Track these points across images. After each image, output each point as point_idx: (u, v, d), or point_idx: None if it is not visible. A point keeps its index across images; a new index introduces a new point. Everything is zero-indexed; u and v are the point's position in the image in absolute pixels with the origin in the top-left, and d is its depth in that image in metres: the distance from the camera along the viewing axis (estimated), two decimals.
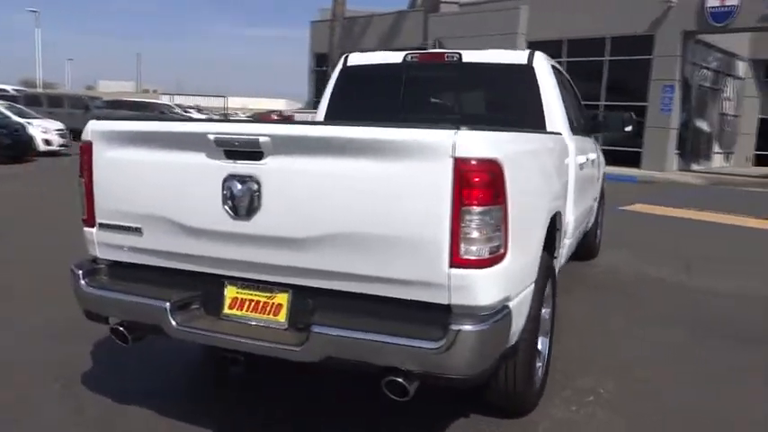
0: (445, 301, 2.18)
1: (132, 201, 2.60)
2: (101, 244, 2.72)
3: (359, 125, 2.20)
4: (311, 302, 2.40)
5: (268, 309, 2.47)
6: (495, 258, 2.17)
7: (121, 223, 2.63)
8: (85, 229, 2.75)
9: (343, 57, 4.55)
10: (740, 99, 24.40)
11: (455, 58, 4.18)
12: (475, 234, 2.11)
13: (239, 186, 2.34)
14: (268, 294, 2.47)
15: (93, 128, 2.66)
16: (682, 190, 15.05)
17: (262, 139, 2.27)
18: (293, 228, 2.30)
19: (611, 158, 18.72)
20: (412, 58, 4.30)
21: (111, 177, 2.64)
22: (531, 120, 3.94)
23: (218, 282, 2.54)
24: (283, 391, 3.22)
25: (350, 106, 4.43)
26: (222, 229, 2.41)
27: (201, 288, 2.57)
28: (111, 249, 2.71)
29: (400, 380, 2.17)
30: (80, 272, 2.70)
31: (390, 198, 2.17)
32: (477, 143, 2.10)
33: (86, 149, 2.67)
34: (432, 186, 2.12)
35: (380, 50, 4.66)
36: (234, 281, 2.52)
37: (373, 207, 2.20)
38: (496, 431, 2.89)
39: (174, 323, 2.46)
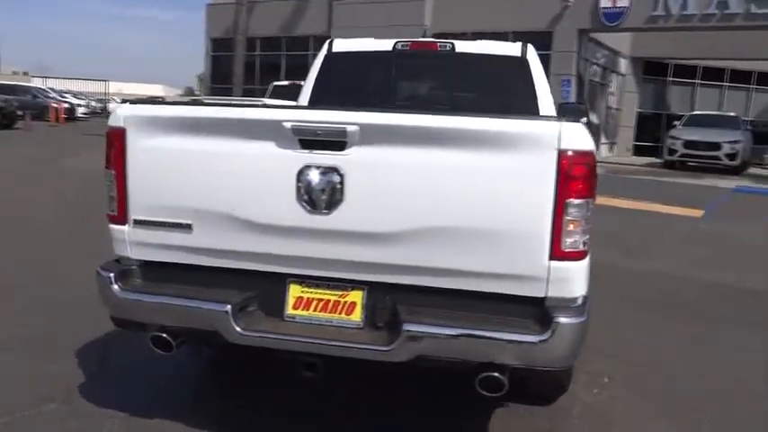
0: (541, 294, 2.16)
1: (180, 195, 2.34)
2: (134, 243, 2.43)
3: (458, 114, 2.13)
4: (389, 300, 2.29)
5: (340, 308, 2.33)
6: (586, 250, 2.18)
7: (164, 219, 2.36)
8: (113, 226, 2.45)
9: (328, 42, 4.39)
10: (622, 94, 26.30)
11: (448, 48, 4.16)
12: (575, 226, 2.11)
13: (318, 179, 2.18)
14: (340, 292, 2.33)
15: (126, 113, 2.36)
16: None
17: (350, 128, 2.12)
18: (379, 222, 2.18)
19: None
20: (403, 46, 4.22)
21: (150, 169, 2.36)
22: (526, 111, 4.01)
23: (280, 280, 2.36)
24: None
25: (337, 94, 4.29)
26: (295, 224, 2.24)
27: (258, 288, 2.38)
28: (149, 249, 2.43)
29: (497, 375, 2.13)
30: (111, 275, 2.41)
31: (487, 190, 2.11)
32: (579, 135, 2.09)
33: (117, 137, 2.37)
34: (534, 178, 2.08)
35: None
36: (298, 279, 2.35)
37: (468, 200, 2.13)
38: (537, 418, 2.93)
39: (238, 328, 2.26)
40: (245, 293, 2.35)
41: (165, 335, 2.37)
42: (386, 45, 4.28)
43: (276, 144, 2.22)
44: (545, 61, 19.16)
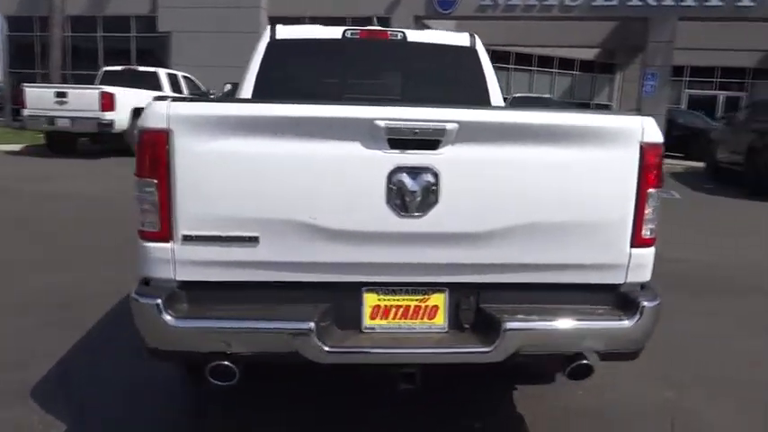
0: (621, 281, 2.25)
1: (244, 204, 2.06)
2: (183, 262, 2.09)
3: (552, 110, 2.12)
4: (473, 300, 2.24)
5: (421, 313, 2.23)
6: (656, 237, 2.31)
7: (224, 233, 2.06)
8: (152, 245, 2.09)
9: (270, 28, 4.09)
10: None
11: (399, 37, 4.11)
12: (652, 214, 2.22)
13: (412, 180, 2.05)
14: (420, 297, 2.22)
15: (172, 111, 2.01)
16: None
17: (449, 126, 2.02)
18: (473, 222, 2.12)
19: None
20: (352, 34, 4.08)
21: (206, 175, 2.04)
22: (479, 100, 4.12)
23: (353, 290, 2.19)
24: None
25: (284, 83, 4.03)
26: (383, 229, 2.09)
27: (329, 300, 2.19)
28: (200, 267, 2.10)
29: (588, 362, 2.19)
30: (158, 301, 2.05)
31: (576, 184, 2.15)
32: (654, 128, 2.20)
33: (160, 140, 2.01)
34: (621, 170, 2.16)
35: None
36: (375, 287, 2.20)
37: (557, 194, 2.14)
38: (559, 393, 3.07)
39: (325, 347, 2.06)
40: (318, 308, 2.15)
41: (229, 363, 2.08)
42: (334, 33, 4.10)
43: (362, 144, 2.04)
44: None
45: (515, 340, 2.12)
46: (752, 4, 17.27)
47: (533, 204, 2.14)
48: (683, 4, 17.62)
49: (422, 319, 2.23)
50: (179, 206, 2.04)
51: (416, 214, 2.08)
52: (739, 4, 17.35)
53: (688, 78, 29.00)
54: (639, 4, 17.90)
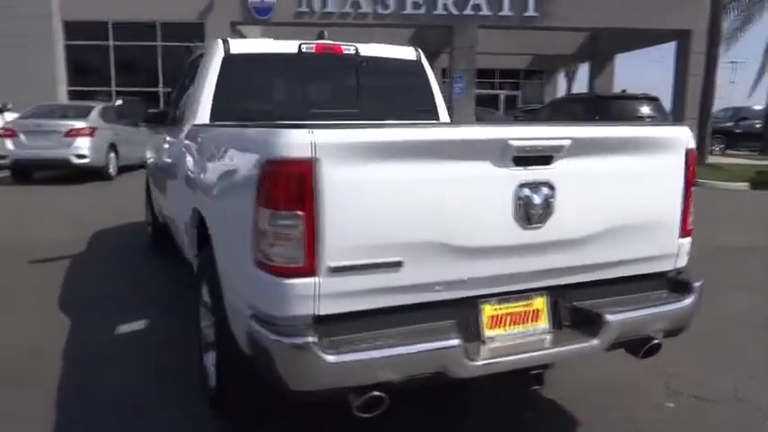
0: (671, 267, 2.64)
1: (387, 229, 2.04)
2: (327, 295, 2.00)
3: (633, 124, 2.41)
4: (566, 299, 2.45)
5: (528, 317, 2.39)
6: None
7: (369, 261, 2.03)
8: (293, 281, 1.97)
9: (222, 42, 3.88)
10: None
11: (352, 52, 4.16)
12: (692, 207, 2.64)
13: (533, 194, 2.20)
14: (525, 303, 2.38)
15: (318, 139, 1.92)
16: None
17: (564, 142, 2.21)
18: (576, 229, 2.33)
19: None
20: (307, 48, 4.04)
21: (350, 203, 1.98)
22: (428, 111, 4.37)
23: (472, 304, 2.28)
24: None
25: (242, 99, 3.86)
26: (510, 242, 2.21)
27: (453, 315, 2.25)
28: (344, 299, 2.03)
29: (659, 341, 2.54)
30: (313, 339, 1.95)
31: (646, 188, 2.48)
32: (692, 135, 2.60)
33: (305, 170, 1.92)
34: (675, 173, 2.53)
35: None
36: (488, 298, 2.31)
37: (634, 198, 2.46)
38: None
39: (472, 362, 2.13)
40: (452, 324, 2.21)
41: (380, 394, 2.05)
42: (289, 47, 4.02)
43: (492, 163, 2.14)
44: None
45: (615, 331, 2.37)
46: (536, 14, 19.74)
47: (619, 208, 2.42)
48: (480, 13, 19.53)
49: (529, 323, 2.39)
50: (327, 237, 1.96)
51: (537, 225, 2.24)
52: (526, 14, 19.72)
53: (476, 80, 32.14)
54: (444, 13, 19.45)
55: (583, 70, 32.29)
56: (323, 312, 2.02)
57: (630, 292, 2.55)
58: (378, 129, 2.10)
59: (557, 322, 2.43)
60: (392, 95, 4.32)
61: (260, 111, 3.88)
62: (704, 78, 16.49)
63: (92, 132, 12.09)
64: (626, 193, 2.43)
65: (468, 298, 2.25)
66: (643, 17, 19.67)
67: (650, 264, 2.58)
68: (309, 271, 1.97)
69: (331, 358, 1.96)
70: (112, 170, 12.74)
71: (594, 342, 2.34)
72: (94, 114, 12.49)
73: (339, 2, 19.10)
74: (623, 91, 13.34)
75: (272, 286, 2.01)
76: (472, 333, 2.27)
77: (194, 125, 3.65)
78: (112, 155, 12.70)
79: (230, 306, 2.43)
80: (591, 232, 2.36)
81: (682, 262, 2.66)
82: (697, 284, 2.60)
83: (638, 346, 2.50)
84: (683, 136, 2.53)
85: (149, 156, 6.09)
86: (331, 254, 1.98)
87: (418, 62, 4.38)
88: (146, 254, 6.16)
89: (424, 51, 4.47)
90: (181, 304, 4.28)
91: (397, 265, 2.07)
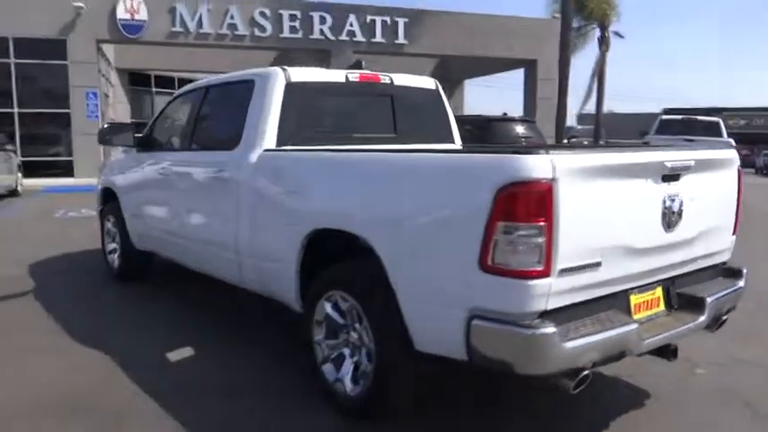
0: (727, 258, 3.37)
1: (595, 236, 2.52)
2: (555, 293, 2.41)
3: (714, 148, 3.10)
4: (672, 287, 3.05)
5: (653, 304, 2.95)
6: None
7: (583, 263, 2.48)
8: (533, 282, 2.35)
9: (281, 70, 4.04)
10: (115, 105, 25.97)
11: (388, 81, 4.53)
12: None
13: (673, 204, 2.79)
14: (651, 292, 2.95)
15: (560, 164, 2.34)
16: None
17: (691, 163, 2.83)
18: (690, 231, 2.95)
19: (44, 170, 17.48)
20: (353, 78, 4.34)
21: (576, 215, 2.43)
22: (446, 134, 4.88)
23: (624, 294, 2.80)
24: None
25: (303, 126, 4.06)
26: (657, 243, 2.78)
27: (616, 305, 2.75)
28: (563, 295, 2.45)
29: (726, 317, 3.24)
30: (554, 330, 2.36)
31: (720, 196, 3.21)
32: (737, 154, 3.37)
33: (547, 188, 2.32)
34: (732, 183, 3.27)
35: None
36: (634, 290, 2.84)
37: (716, 204, 3.17)
38: None
39: (643, 341, 2.65)
40: (616, 311, 2.71)
41: (589, 372, 2.50)
42: (336, 76, 4.29)
43: (653, 180, 2.71)
44: (63, 72, 17.68)
45: (713, 309, 3.03)
46: (405, 42, 20.99)
47: (710, 212, 3.10)
48: (355, 39, 20.35)
49: (654, 308, 2.96)
50: (560, 244, 2.37)
51: (673, 230, 2.83)
52: (396, 41, 20.91)
53: None
54: (321, 38, 20.00)
55: None
56: (550, 307, 2.43)
57: (704, 279, 3.23)
58: (596, 153, 2.58)
59: (670, 306, 3.02)
60: (419, 121, 4.73)
61: (316, 136, 4.10)
62: (558, 101, 18.69)
63: None
64: (713, 201, 3.12)
65: (627, 289, 2.78)
66: (492, 47, 21.73)
67: (718, 256, 3.29)
68: (546, 273, 2.37)
69: (568, 344, 2.38)
70: None
71: (702, 319, 2.97)
72: None
73: (215, 23, 18.83)
74: (504, 114, 14.77)
75: (510, 288, 2.37)
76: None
77: (324, 149, 3.68)
78: None
79: (418, 315, 2.72)
80: (697, 232, 3.00)
81: (730, 254, 3.41)
82: (745, 271, 3.36)
83: (713, 323, 3.17)
84: (735, 157, 3.28)
85: (120, 181, 5.87)
86: (561, 258, 2.40)
87: (437, 91, 4.85)
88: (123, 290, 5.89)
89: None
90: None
91: (598, 265, 2.54)
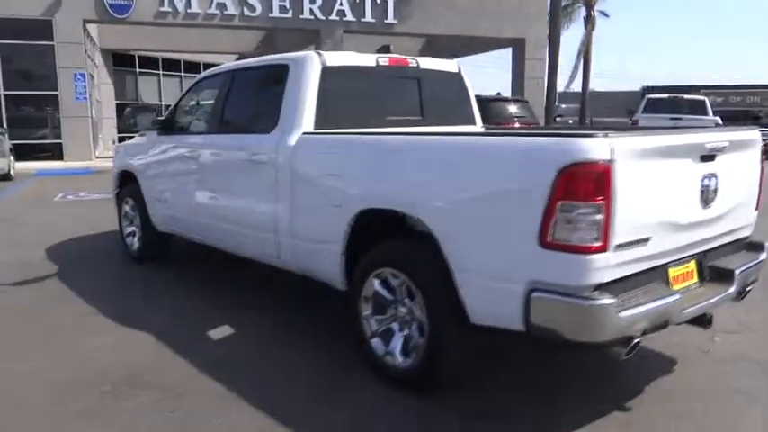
0: (749, 233, 3.58)
1: (645, 213, 2.70)
2: (611, 267, 2.59)
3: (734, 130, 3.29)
4: (704, 260, 3.26)
5: (688, 276, 3.15)
6: None
7: (635, 238, 2.66)
8: (593, 257, 2.53)
9: (317, 55, 4.14)
10: (99, 86, 25.61)
11: (414, 64, 4.65)
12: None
13: (710, 182, 2.98)
14: (686, 265, 3.14)
15: (617, 146, 2.50)
16: None
17: (726, 143, 3.01)
18: (722, 207, 3.14)
19: (32, 153, 17.29)
20: (383, 61, 4.45)
21: (630, 194, 2.60)
22: (469, 117, 5.02)
23: (663, 267, 2.99)
24: None
25: (338, 109, 4.17)
26: (695, 219, 2.98)
27: (656, 277, 2.93)
28: (617, 268, 2.63)
29: (750, 287, 3.46)
30: (612, 301, 2.54)
31: (746, 174, 3.40)
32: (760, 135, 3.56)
33: (606, 169, 2.49)
34: (756, 163, 3.45)
35: None
36: (672, 263, 3.03)
37: (743, 182, 3.36)
38: None
39: (683, 310, 2.85)
40: (658, 283, 2.90)
41: (639, 340, 2.70)
42: (367, 60, 4.39)
43: (692, 160, 2.89)
44: (49, 53, 17.40)
45: (741, 281, 3.24)
46: (395, 21, 20.93)
47: (738, 189, 3.29)
48: (345, 19, 20.24)
49: (689, 280, 3.15)
50: (616, 221, 2.55)
51: (709, 206, 3.02)
52: (386, 21, 20.83)
53: None
54: (311, 17, 19.85)
55: None
56: (606, 280, 2.61)
57: (730, 252, 3.44)
58: (648, 136, 2.73)
59: (702, 278, 3.22)
60: (444, 103, 4.86)
61: (352, 116, 4.21)
62: (548, 79, 18.86)
63: None
64: (741, 178, 3.31)
65: (667, 263, 2.97)
66: (481, 26, 21.73)
67: (743, 231, 3.49)
68: (604, 248, 2.55)
69: (622, 314, 2.57)
70: None
71: (732, 290, 3.18)
72: None
73: (204, 2, 18.60)
74: (498, 94, 14.93)
75: (570, 262, 2.55)
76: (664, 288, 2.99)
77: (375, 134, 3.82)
78: None
79: (476, 290, 2.89)
80: (727, 209, 3.19)
81: (752, 229, 3.62)
82: (767, 244, 3.58)
83: (740, 292, 3.38)
84: (758, 137, 3.48)
85: (140, 164, 5.92)
86: (617, 234, 2.57)
87: (459, 74, 4.97)
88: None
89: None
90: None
91: (647, 240, 2.72)
